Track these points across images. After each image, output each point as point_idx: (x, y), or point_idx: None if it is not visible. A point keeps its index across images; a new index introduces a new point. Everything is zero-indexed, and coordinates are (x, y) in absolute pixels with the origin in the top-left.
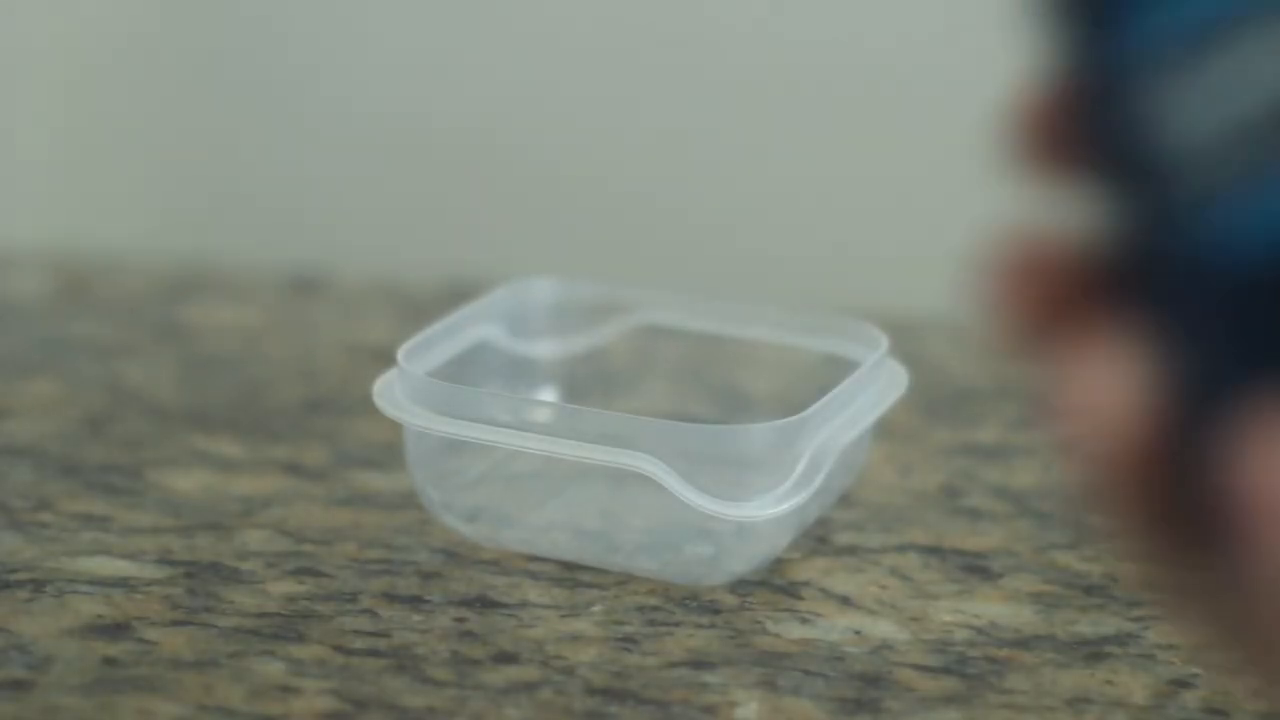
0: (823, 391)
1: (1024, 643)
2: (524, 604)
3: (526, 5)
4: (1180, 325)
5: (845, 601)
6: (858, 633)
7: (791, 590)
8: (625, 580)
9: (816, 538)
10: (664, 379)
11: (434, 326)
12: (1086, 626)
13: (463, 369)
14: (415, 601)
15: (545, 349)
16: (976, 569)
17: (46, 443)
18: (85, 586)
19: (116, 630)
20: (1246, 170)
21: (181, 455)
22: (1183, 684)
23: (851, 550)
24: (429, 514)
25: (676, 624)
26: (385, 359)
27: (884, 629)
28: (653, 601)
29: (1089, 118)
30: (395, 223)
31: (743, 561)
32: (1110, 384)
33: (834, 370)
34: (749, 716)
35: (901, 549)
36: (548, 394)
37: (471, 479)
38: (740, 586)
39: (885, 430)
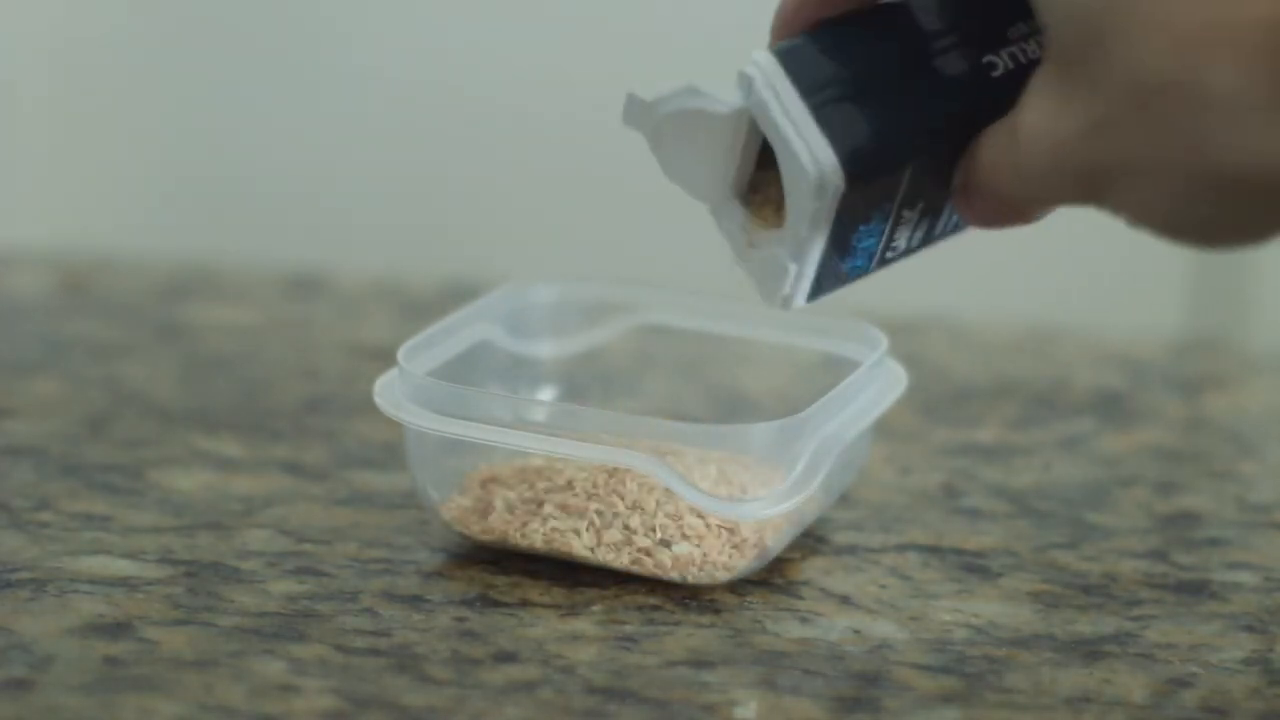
0: (823, 391)
1: (1023, 642)
2: (524, 604)
3: (529, 9)
4: None
5: (845, 601)
6: (857, 632)
7: (791, 590)
8: (625, 580)
9: (816, 537)
10: (664, 379)
11: (434, 326)
12: (1085, 626)
13: (463, 369)
14: (415, 601)
15: (545, 349)
16: (976, 568)
17: (47, 442)
18: (86, 586)
19: (117, 630)
20: None
21: (182, 455)
22: (1181, 683)
23: (851, 550)
24: (429, 514)
25: (676, 624)
26: (385, 359)
27: (883, 628)
28: (653, 601)
29: None
30: (395, 223)
31: (743, 561)
32: None
33: (834, 370)
34: (748, 715)
35: (901, 549)
36: (548, 394)
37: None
38: (740, 586)
39: (885, 430)
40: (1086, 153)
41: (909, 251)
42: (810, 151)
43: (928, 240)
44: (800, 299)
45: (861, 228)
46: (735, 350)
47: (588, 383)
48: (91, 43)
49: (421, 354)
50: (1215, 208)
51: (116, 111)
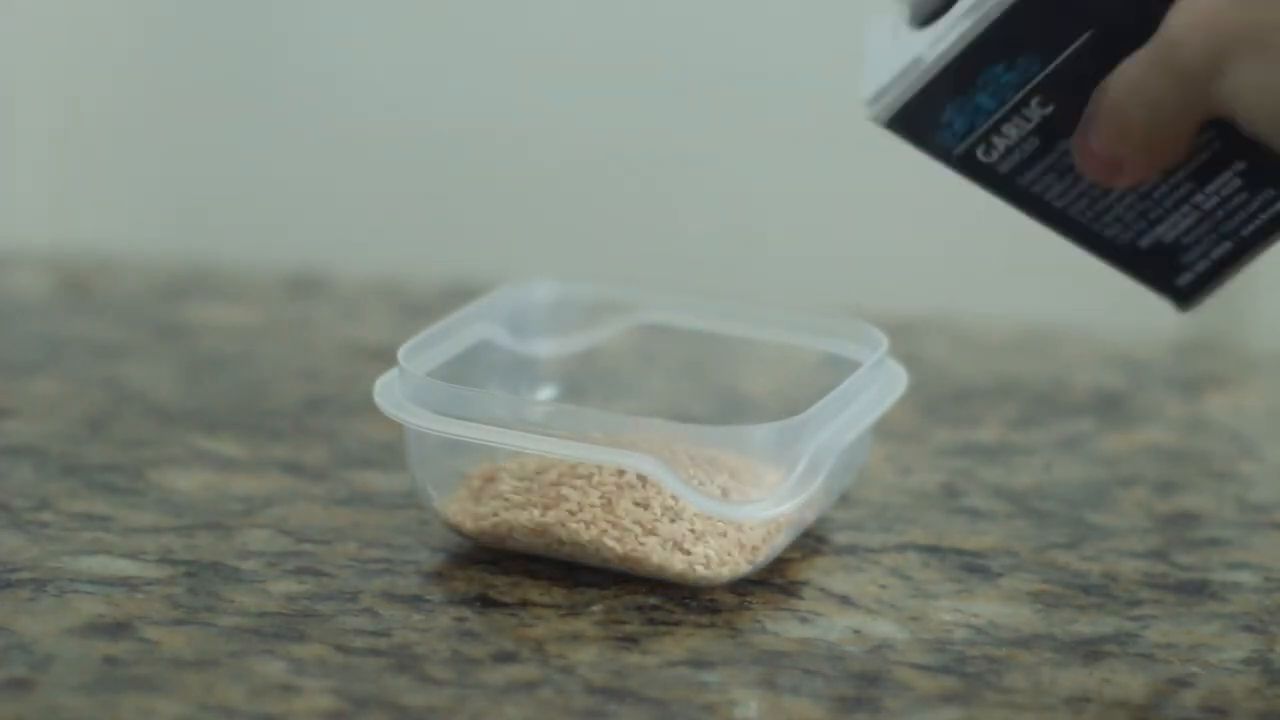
0: (823, 391)
1: (1023, 642)
2: (524, 604)
3: (527, 8)
4: None
5: (845, 601)
6: (857, 632)
7: (791, 590)
8: (625, 580)
9: (816, 538)
10: (664, 379)
11: (434, 326)
12: (1085, 626)
13: (463, 369)
14: (415, 601)
15: (545, 349)
16: (976, 568)
17: (47, 442)
18: (86, 586)
19: (117, 629)
20: None
21: (182, 455)
22: (1181, 683)
23: (851, 550)
24: (429, 514)
25: (676, 623)
26: (385, 359)
27: (883, 628)
28: (653, 601)
29: None
30: (395, 223)
31: (743, 562)
32: None
33: (834, 370)
34: (749, 715)
35: (901, 549)
36: (548, 394)
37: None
38: (740, 586)
39: (885, 430)
40: (1227, 16)
41: (995, 172)
42: None
43: (1016, 177)
44: (889, 103)
45: (993, 69)
46: (735, 350)
47: (588, 383)
48: (92, 43)
49: (421, 354)
50: None
51: (116, 112)
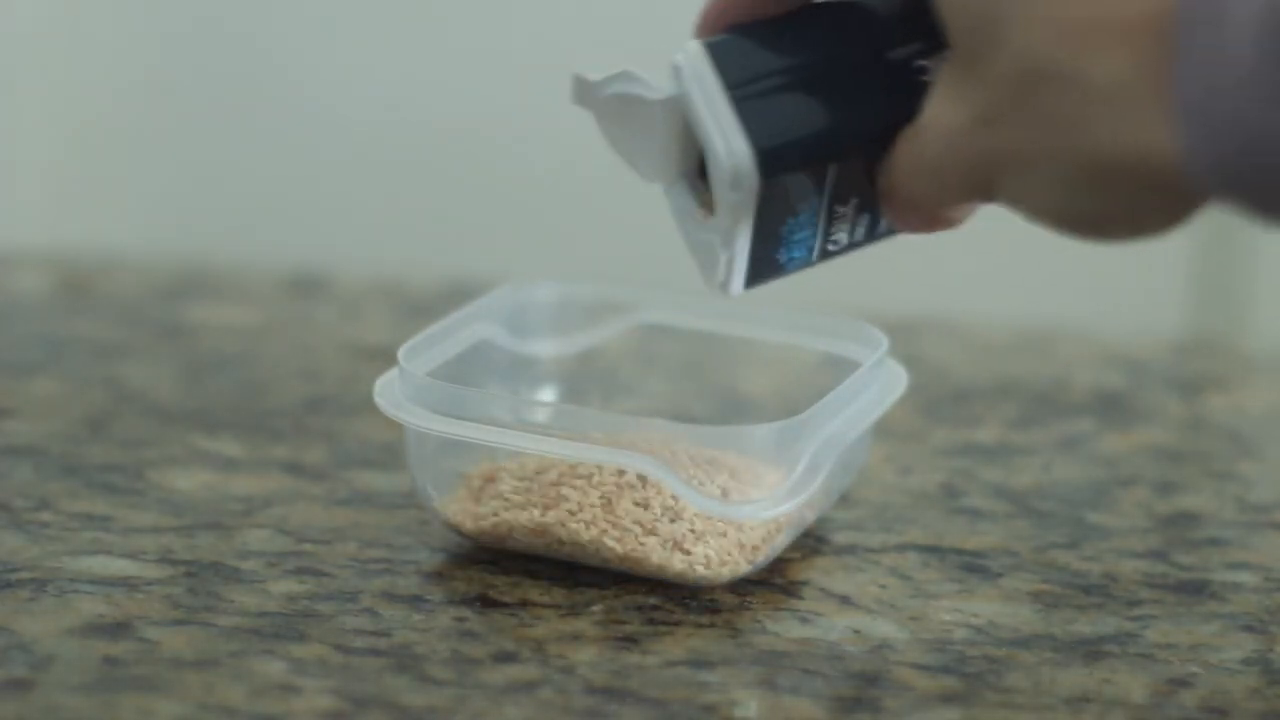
0: (823, 391)
1: (1023, 642)
2: (524, 603)
3: (527, 10)
4: None
5: (845, 601)
6: (857, 632)
7: (791, 590)
8: (625, 580)
9: (816, 537)
10: (664, 379)
11: (434, 326)
12: (1085, 626)
13: (463, 369)
14: (415, 601)
15: (545, 349)
16: (975, 568)
17: (47, 442)
18: (86, 586)
19: (117, 629)
20: None
21: (182, 455)
22: (1181, 683)
23: (851, 550)
24: (429, 514)
25: (676, 623)
26: (385, 359)
27: (883, 628)
28: (653, 601)
29: None
30: (395, 223)
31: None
32: None
33: (834, 370)
34: (749, 715)
35: (901, 549)
36: (548, 394)
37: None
38: (740, 586)
39: (885, 430)
40: (976, 143)
41: (854, 245)
42: (727, 143)
43: (873, 235)
44: (736, 286)
45: (790, 220)
46: (735, 350)
47: (588, 383)
48: (93, 45)
49: (421, 354)
50: (1098, 199)
51: (117, 112)
